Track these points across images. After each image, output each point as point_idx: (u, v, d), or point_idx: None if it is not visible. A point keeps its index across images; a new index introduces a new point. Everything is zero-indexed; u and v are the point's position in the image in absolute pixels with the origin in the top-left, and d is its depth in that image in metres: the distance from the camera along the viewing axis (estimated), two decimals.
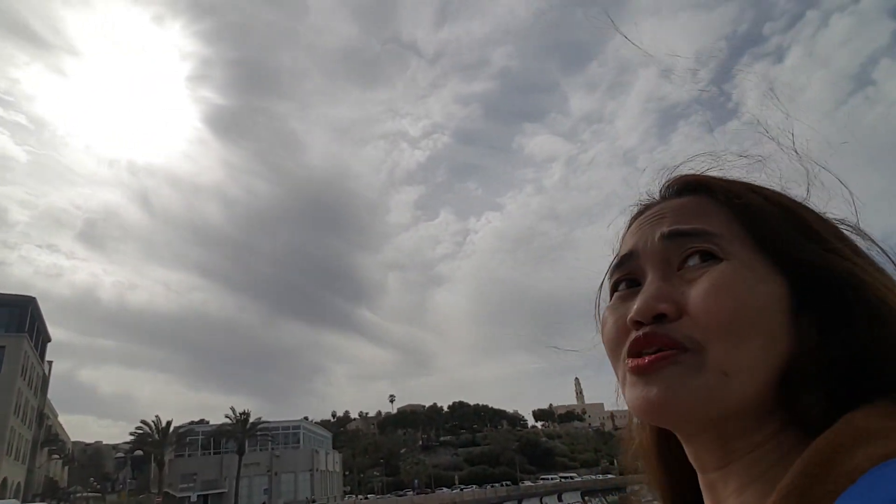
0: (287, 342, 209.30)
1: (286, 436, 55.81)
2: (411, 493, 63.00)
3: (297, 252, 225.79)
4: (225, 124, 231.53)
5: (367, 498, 59.12)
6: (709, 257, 0.43)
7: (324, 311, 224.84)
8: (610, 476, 79.66)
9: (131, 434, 47.89)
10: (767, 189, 0.47)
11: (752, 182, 0.48)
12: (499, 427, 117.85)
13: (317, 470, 53.79)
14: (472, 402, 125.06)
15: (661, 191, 0.52)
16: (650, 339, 0.42)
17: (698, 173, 0.50)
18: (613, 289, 0.49)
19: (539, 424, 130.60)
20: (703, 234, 0.44)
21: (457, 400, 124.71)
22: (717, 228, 0.44)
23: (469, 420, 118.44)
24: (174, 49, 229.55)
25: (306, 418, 71.11)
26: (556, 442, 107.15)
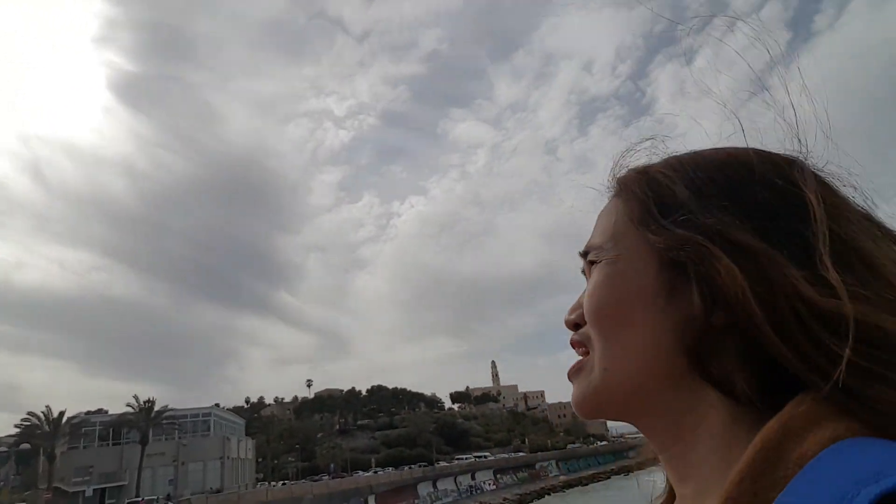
0: (199, 326, 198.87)
1: (195, 424, 53.49)
2: (327, 477, 62.77)
3: (212, 232, 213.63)
4: (134, 92, 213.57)
5: (282, 484, 58.16)
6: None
7: (240, 294, 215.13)
8: (521, 454, 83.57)
9: (16, 426, 44.06)
10: (653, 169, 0.49)
11: (652, 163, 0.51)
12: (416, 410, 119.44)
13: (228, 458, 52.13)
14: (390, 386, 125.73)
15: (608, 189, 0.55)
16: (573, 344, 0.51)
17: (620, 174, 0.53)
18: None
19: (456, 406, 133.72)
20: (591, 249, 0.51)
21: (376, 384, 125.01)
22: (605, 232, 0.50)
23: (387, 403, 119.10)
24: (77, 6, 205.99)
25: (217, 405, 68.46)
26: (472, 423, 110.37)
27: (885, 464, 0.29)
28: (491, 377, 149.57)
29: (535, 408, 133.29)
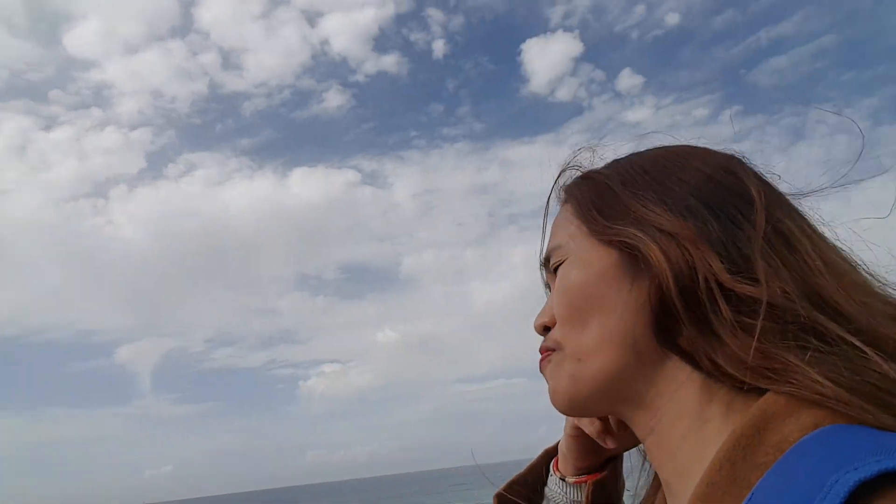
0: None
1: None
2: None
3: None
4: None
5: None
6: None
7: None
8: None
9: None
10: (594, 172, 0.56)
11: (593, 166, 0.57)
12: None
13: None
14: None
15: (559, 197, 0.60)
16: (541, 349, 0.55)
17: (567, 182, 0.58)
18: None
19: None
20: (553, 252, 0.54)
21: None
22: (562, 234, 0.54)
23: None
24: None
25: None
26: None
27: (862, 451, 0.30)
28: None
29: None
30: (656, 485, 0.54)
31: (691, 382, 0.44)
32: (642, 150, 0.55)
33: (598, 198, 0.52)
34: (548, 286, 0.59)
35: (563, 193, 0.59)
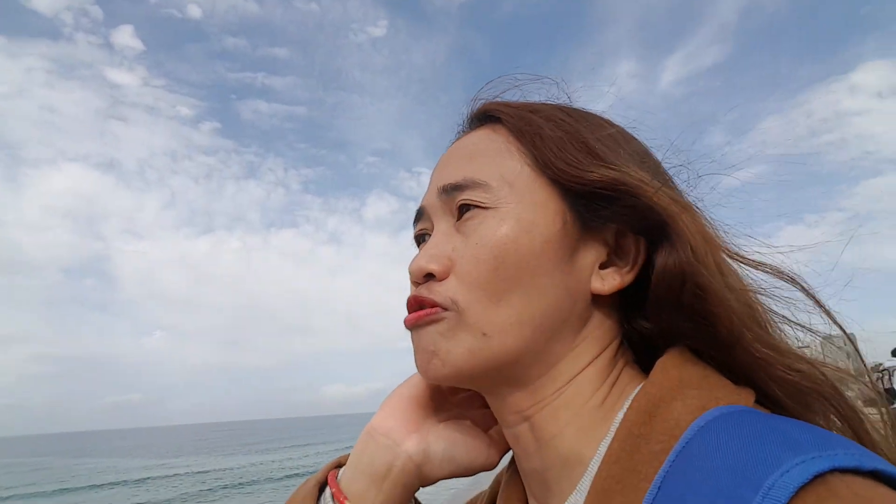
0: None
1: None
2: None
3: None
4: None
5: None
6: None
7: None
8: None
9: None
10: (549, 112, 0.45)
11: (540, 101, 0.47)
12: None
13: None
14: None
15: (463, 122, 0.50)
16: (416, 300, 0.43)
17: (492, 100, 0.48)
18: (418, 244, 0.49)
19: None
20: (472, 186, 0.43)
21: None
22: (493, 170, 0.43)
23: None
24: None
25: None
26: None
27: (783, 448, 0.29)
28: None
29: None
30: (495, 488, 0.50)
31: (591, 368, 0.42)
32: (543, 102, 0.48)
33: (573, 140, 0.43)
34: (424, 234, 0.48)
35: (489, 113, 0.47)
